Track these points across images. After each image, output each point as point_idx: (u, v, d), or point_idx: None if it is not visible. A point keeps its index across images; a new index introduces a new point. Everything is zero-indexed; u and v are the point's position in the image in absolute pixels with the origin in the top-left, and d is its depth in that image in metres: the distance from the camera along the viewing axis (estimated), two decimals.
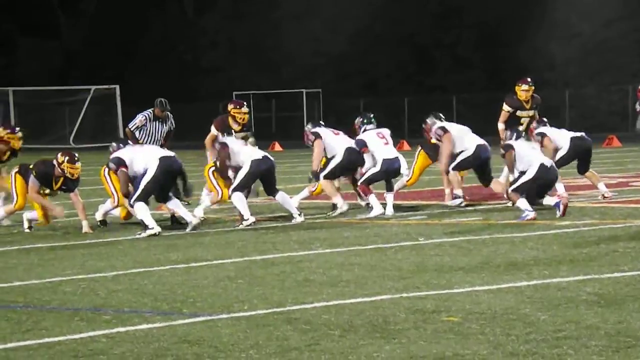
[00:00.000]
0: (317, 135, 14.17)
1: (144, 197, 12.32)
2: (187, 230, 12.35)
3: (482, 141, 14.14)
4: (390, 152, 13.93)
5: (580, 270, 8.47)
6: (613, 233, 10.85)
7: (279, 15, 55.75)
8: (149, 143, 15.65)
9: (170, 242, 11.33)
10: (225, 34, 57.11)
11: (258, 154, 13.31)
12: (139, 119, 15.64)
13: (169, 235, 12.08)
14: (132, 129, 15.44)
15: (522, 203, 12.42)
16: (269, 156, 13.37)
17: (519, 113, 14.55)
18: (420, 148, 14.98)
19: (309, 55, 53.41)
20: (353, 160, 13.96)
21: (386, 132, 14.21)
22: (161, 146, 15.47)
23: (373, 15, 51.81)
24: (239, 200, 12.91)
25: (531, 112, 14.62)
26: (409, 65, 51.40)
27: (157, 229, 12.04)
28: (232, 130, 13.96)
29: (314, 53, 53.42)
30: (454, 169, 14.05)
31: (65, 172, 12.71)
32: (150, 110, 15.76)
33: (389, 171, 13.83)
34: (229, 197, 13.08)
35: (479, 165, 14.08)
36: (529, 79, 14.73)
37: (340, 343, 6.15)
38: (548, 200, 12.76)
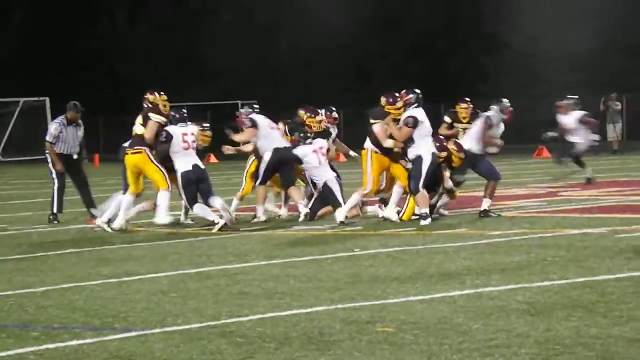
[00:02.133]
0: (254, 124, 14.29)
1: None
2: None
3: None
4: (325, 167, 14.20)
5: (511, 279, 8.57)
6: (542, 242, 11.00)
7: (215, 26, 55.62)
8: (66, 150, 15.54)
9: (101, 256, 11.25)
10: (159, 44, 56.80)
11: (188, 164, 13.53)
12: (54, 127, 15.51)
13: (100, 249, 11.99)
14: (51, 141, 15.29)
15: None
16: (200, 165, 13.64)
17: (457, 125, 15.53)
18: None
19: (245, 66, 53.35)
20: (281, 158, 14.13)
21: (324, 143, 14.34)
22: (78, 153, 15.41)
23: (310, 26, 51.93)
24: (200, 210, 13.43)
25: (469, 126, 15.08)
26: (346, 76, 51.59)
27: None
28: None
29: (250, 64, 53.36)
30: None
31: None
32: (62, 116, 15.62)
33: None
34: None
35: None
36: (467, 99, 15.80)
37: (275, 355, 6.16)
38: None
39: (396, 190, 13.77)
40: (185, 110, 14.00)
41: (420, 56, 50.14)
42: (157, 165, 13.62)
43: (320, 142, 14.33)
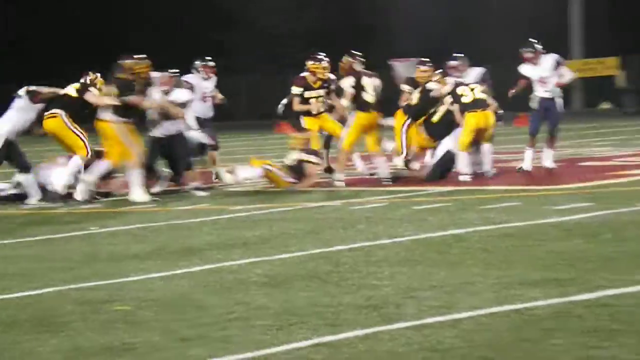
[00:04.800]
0: None
1: None
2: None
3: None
4: None
5: (252, 252, 8.65)
6: (283, 216, 11.18)
7: None
8: None
9: None
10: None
11: None
12: None
13: None
14: None
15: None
16: None
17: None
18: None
19: None
20: None
21: None
22: None
23: None
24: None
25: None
26: None
27: None
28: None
29: None
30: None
31: None
32: None
33: None
34: None
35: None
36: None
37: (1, 339, 5.94)
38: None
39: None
40: None
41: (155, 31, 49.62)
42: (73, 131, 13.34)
43: None
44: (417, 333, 5.65)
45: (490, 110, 14.35)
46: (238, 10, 49.37)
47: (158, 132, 13.75)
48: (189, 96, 14.08)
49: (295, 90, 14.49)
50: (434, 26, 43.25)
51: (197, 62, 15.26)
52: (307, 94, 14.43)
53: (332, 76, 14.74)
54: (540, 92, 14.98)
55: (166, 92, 13.68)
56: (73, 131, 13.48)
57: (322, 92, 14.48)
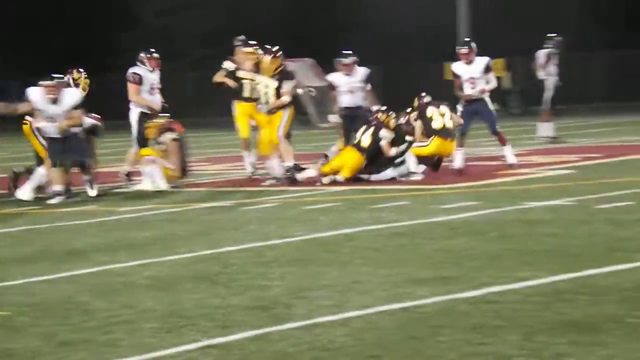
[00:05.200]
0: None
1: None
2: None
3: None
4: None
5: (140, 254, 8.51)
6: (172, 217, 11.05)
7: None
8: None
9: None
10: None
11: None
12: None
13: None
14: None
15: None
16: None
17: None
18: None
19: None
20: None
21: None
22: None
23: None
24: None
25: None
26: None
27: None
28: None
29: None
30: None
31: None
32: None
33: None
34: None
35: None
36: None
37: None
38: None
39: None
40: None
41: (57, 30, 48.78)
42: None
43: None
44: (308, 333, 5.62)
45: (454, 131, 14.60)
46: (133, 10, 48.85)
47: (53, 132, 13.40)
48: (78, 96, 13.69)
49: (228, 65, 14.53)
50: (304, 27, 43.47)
51: (142, 54, 14.85)
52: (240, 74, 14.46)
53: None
54: (468, 92, 15.21)
55: (54, 101, 13.12)
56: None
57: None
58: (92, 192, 13.27)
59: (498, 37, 40.61)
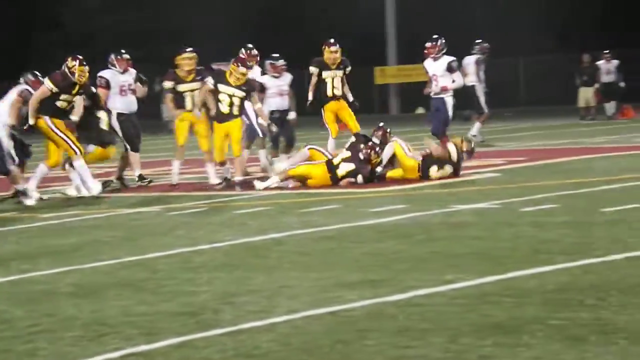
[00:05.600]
0: None
1: None
2: None
3: None
4: None
5: (63, 261, 8.37)
6: (96, 223, 10.91)
7: None
8: None
9: None
10: None
11: None
12: None
13: None
14: None
15: None
16: None
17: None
18: None
19: None
20: None
21: None
22: None
23: None
24: None
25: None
26: None
27: None
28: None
29: None
30: None
31: None
32: None
33: None
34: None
35: None
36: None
37: None
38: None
39: None
40: None
41: None
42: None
43: None
44: (233, 339, 5.57)
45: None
46: (48, 12, 48.32)
47: None
48: None
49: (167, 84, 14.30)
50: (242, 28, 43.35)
51: (112, 56, 14.56)
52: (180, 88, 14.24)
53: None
54: (430, 89, 15.35)
55: None
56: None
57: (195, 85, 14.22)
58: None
59: (425, 42, 40.90)
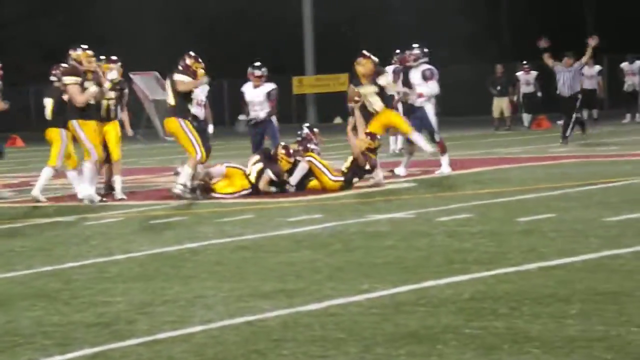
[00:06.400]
0: None
1: None
2: None
3: None
4: None
5: None
6: (10, 232, 10.78)
7: None
8: None
9: None
10: None
11: None
12: None
13: None
14: None
15: None
16: None
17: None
18: None
19: None
20: None
21: None
22: None
23: None
24: None
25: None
26: None
27: None
28: None
29: None
30: None
31: None
32: None
33: None
34: None
35: None
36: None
37: None
38: None
39: None
40: None
41: None
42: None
43: None
44: (148, 349, 5.55)
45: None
46: None
47: None
48: None
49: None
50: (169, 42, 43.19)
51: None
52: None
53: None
54: (412, 98, 15.59)
55: None
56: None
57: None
58: None
59: (340, 52, 41.12)
